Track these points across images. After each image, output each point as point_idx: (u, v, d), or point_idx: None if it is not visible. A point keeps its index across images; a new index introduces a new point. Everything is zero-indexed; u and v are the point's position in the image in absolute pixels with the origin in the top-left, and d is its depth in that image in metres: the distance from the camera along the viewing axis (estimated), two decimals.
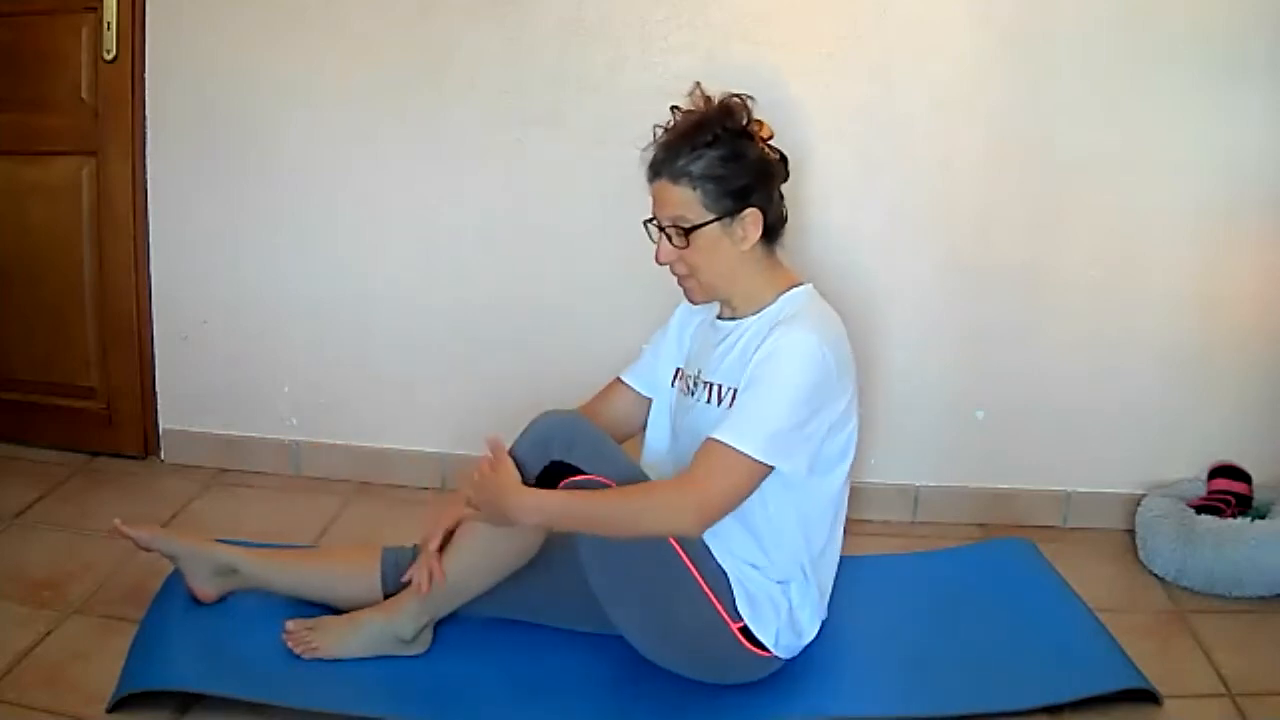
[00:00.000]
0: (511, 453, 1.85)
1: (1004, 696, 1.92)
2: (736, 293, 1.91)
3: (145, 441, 2.89)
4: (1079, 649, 2.07)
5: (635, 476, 1.85)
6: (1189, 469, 2.62)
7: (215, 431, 2.85)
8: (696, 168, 1.81)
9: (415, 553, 2.11)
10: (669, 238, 1.86)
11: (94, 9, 2.63)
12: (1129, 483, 2.64)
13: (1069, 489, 2.68)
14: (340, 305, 2.75)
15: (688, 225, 1.83)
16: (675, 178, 1.83)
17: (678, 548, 1.81)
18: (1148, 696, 1.94)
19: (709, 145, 1.81)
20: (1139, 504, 2.58)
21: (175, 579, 2.14)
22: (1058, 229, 2.55)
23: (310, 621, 1.99)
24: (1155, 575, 2.43)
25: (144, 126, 2.69)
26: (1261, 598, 2.32)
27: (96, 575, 2.28)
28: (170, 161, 2.70)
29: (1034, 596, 2.26)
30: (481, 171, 2.63)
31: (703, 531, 1.79)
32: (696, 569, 1.82)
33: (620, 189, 2.53)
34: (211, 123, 2.67)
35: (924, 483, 2.70)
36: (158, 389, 2.85)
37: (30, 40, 2.70)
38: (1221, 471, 2.57)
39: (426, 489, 2.79)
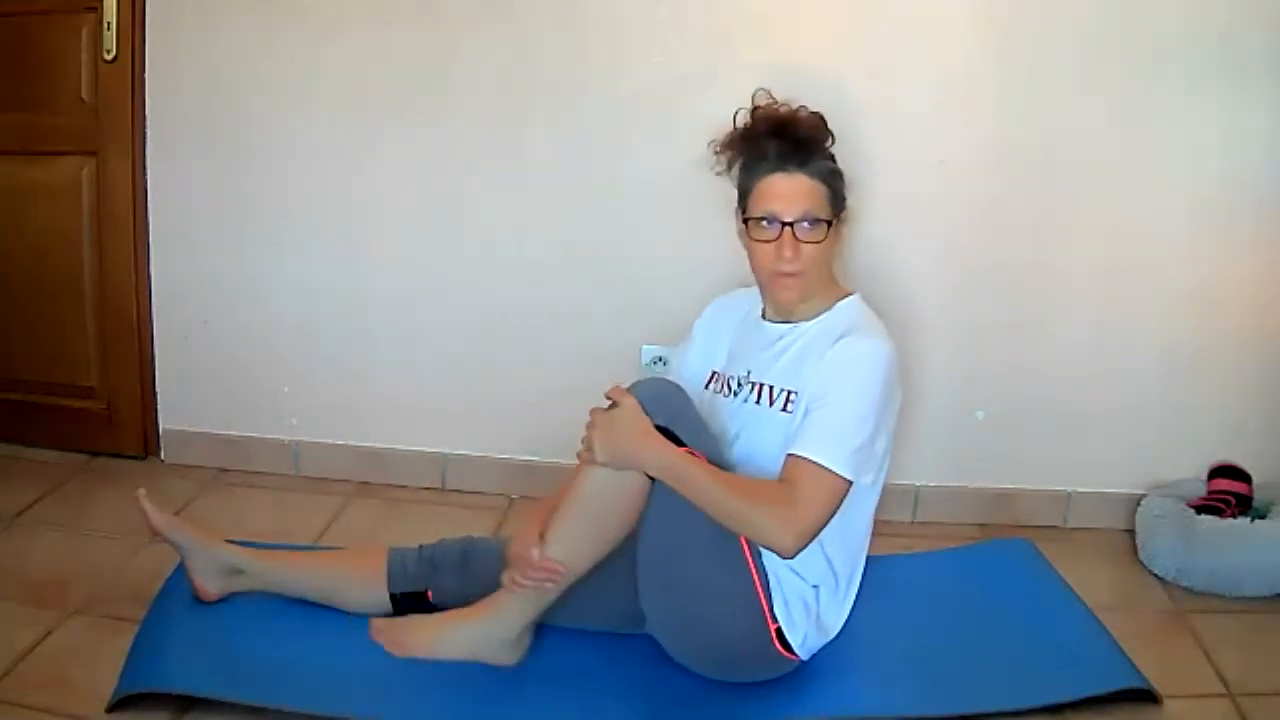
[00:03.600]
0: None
1: (1004, 696, 1.92)
2: (811, 295, 1.92)
3: (145, 441, 2.89)
4: (1079, 649, 2.07)
5: (723, 459, 1.86)
6: (1189, 469, 2.62)
7: (215, 431, 2.85)
8: (828, 165, 1.89)
9: (419, 551, 2.12)
10: (796, 232, 1.85)
11: (94, 9, 2.63)
12: (1129, 483, 2.64)
13: (1069, 489, 2.68)
14: (340, 305, 2.75)
15: (823, 220, 1.86)
16: (813, 173, 1.87)
17: (745, 548, 1.83)
18: (1148, 696, 1.94)
19: (830, 144, 1.90)
20: (1139, 504, 2.58)
21: (176, 579, 2.14)
22: (1057, 229, 2.54)
23: (402, 620, 1.92)
24: (1155, 575, 2.43)
25: (144, 126, 2.69)
26: (1262, 598, 2.32)
27: (97, 575, 2.28)
28: (170, 161, 2.70)
29: (1034, 596, 2.26)
30: (481, 172, 2.63)
31: (796, 555, 1.77)
32: (755, 568, 1.84)
33: (621, 189, 2.55)
34: (211, 123, 2.67)
35: (924, 483, 2.70)
36: (158, 389, 2.85)
37: (30, 40, 2.70)
38: (1221, 471, 2.57)
39: (426, 489, 2.80)
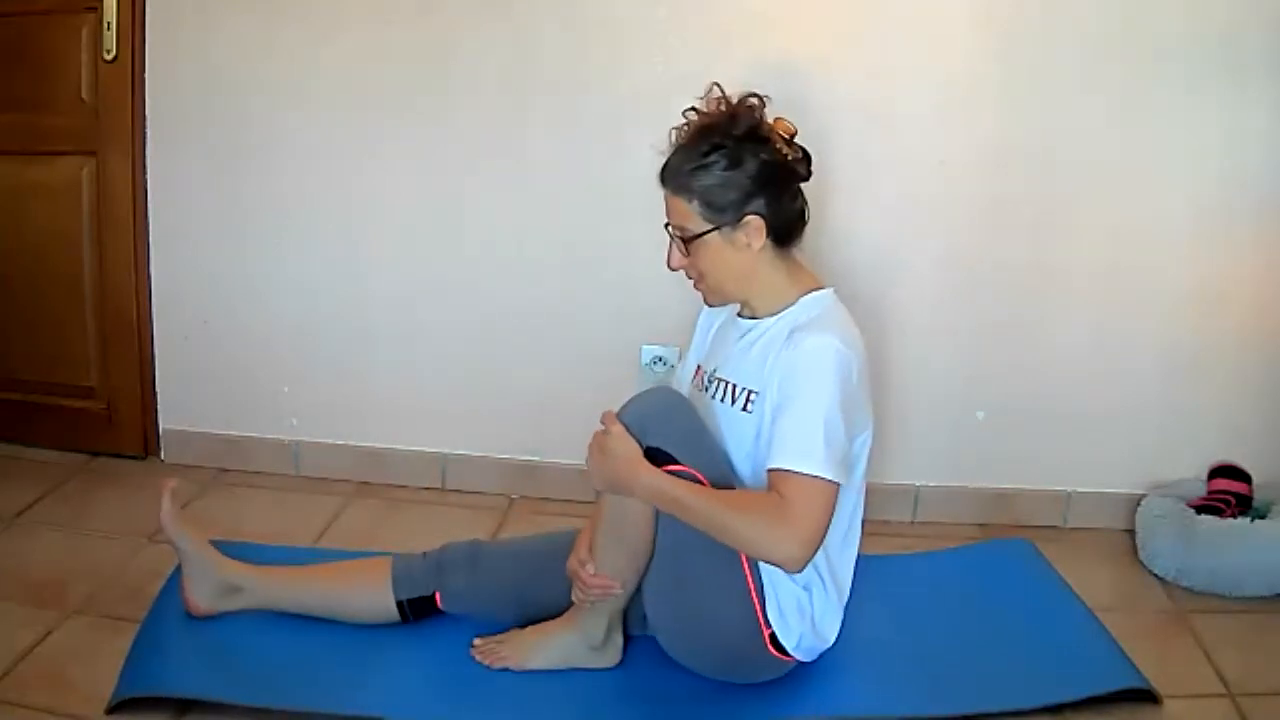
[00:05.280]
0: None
1: (1004, 696, 1.92)
2: (752, 295, 1.90)
3: (145, 441, 2.88)
4: (1079, 649, 2.07)
5: (725, 472, 1.85)
6: (1189, 469, 2.63)
7: (215, 431, 2.85)
8: (693, 181, 1.82)
9: (424, 557, 2.10)
10: (677, 244, 1.88)
11: (94, 9, 2.63)
12: (1129, 483, 2.65)
13: (1069, 489, 2.68)
14: (340, 305, 2.75)
15: (688, 235, 1.85)
16: (675, 189, 1.85)
17: (742, 555, 1.82)
18: (1148, 696, 1.95)
19: (706, 155, 1.81)
20: (1139, 504, 2.58)
21: (176, 580, 2.13)
22: (1058, 229, 2.54)
23: (499, 636, 2.02)
24: (1155, 575, 2.43)
25: (144, 126, 2.69)
26: (1262, 598, 2.33)
27: (97, 575, 2.27)
28: (170, 161, 2.70)
29: (1034, 596, 2.26)
30: (481, 172, 2.63)
31: (806, 566, 1.77)
32: (751, 573, 1.84)
33: (621, 189, 2.55)
34: (211, 123, 2.67)
35: (924, 483, 2.70)
36: (158, 389, 2.85)
37: (30, 40, 2.70)
38: (1221, 471, 2.57)
39: (426, 489, 2.80)
